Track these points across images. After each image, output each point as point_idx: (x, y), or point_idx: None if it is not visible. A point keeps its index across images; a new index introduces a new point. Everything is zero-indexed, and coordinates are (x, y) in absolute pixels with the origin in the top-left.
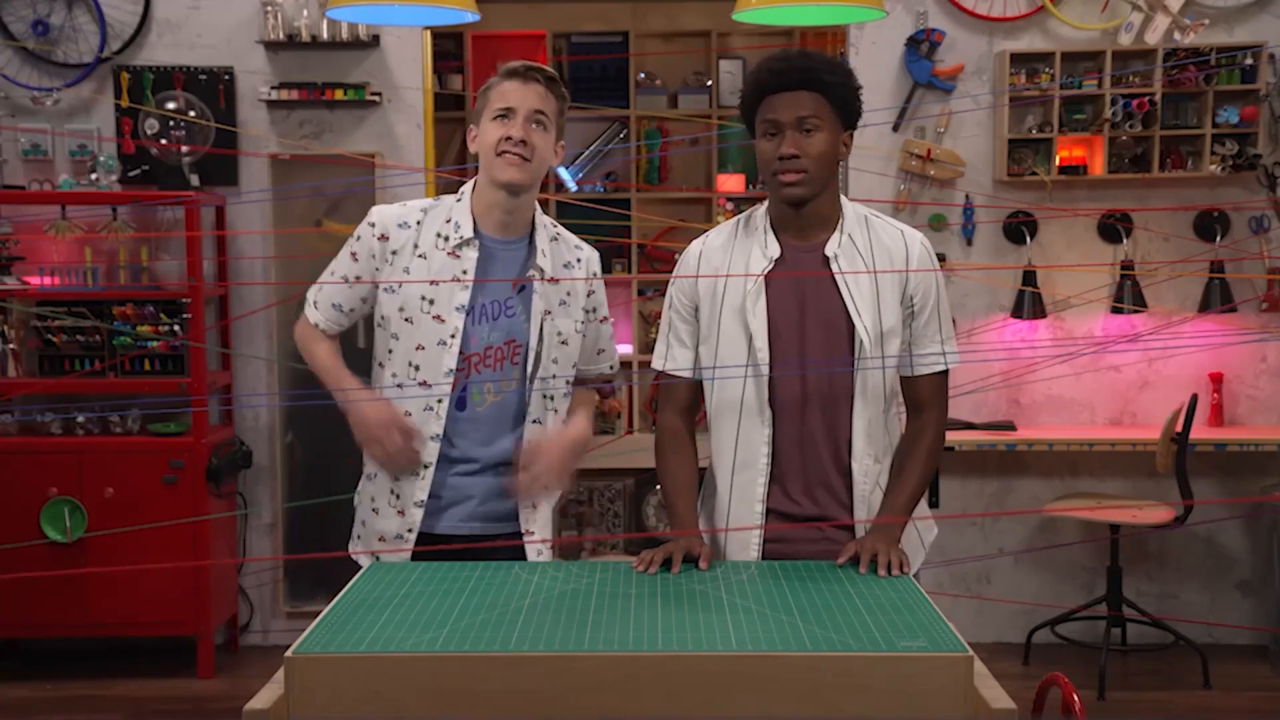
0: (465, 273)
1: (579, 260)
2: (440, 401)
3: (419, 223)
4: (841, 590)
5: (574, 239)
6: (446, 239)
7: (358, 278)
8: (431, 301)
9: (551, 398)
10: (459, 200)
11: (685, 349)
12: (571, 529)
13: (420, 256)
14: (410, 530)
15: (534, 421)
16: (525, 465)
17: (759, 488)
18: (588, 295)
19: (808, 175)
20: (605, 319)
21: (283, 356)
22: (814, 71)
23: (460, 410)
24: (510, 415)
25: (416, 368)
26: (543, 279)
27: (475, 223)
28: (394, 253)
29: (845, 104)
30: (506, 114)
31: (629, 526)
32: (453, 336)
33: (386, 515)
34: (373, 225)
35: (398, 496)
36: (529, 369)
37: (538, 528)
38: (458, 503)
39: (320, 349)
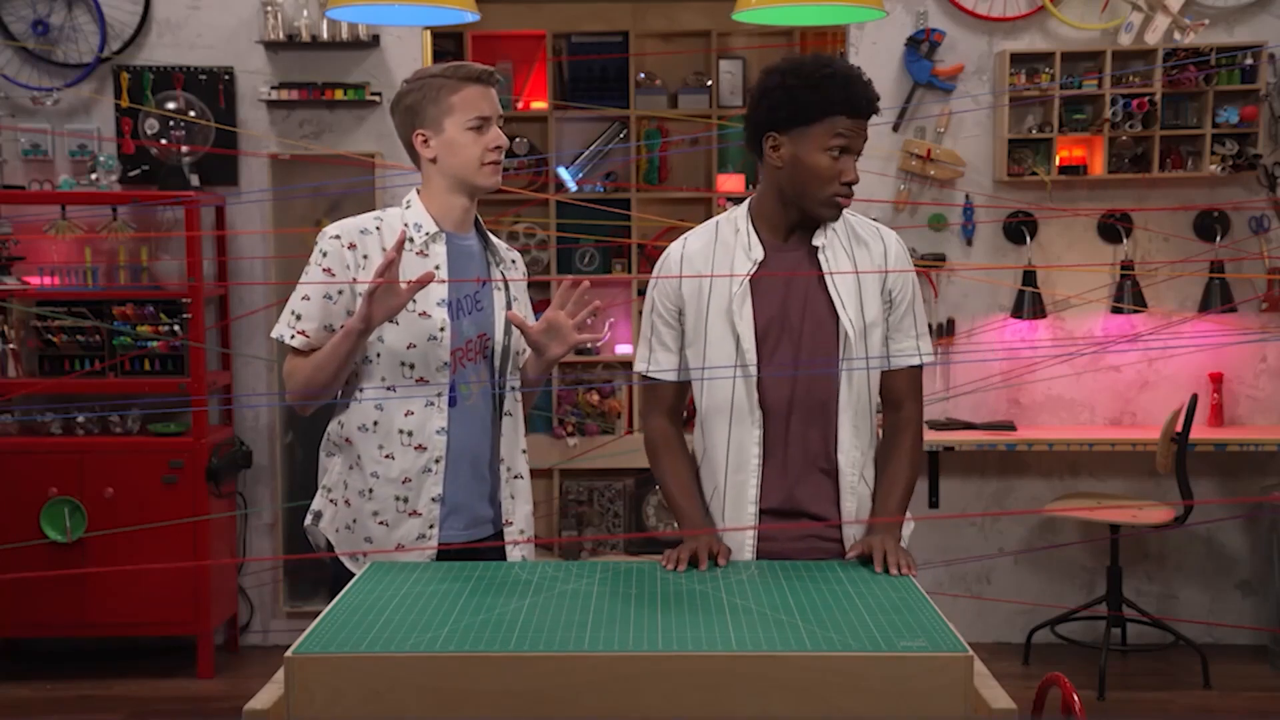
0: (438, 268)
1: (513, 261)
2: (440, 395)
3: (378, 228)
4: (841, 590)
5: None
6: (412, 240)
7: (339, 292)
8: (414, 300)
9: (513, 388)
10: (408, 208)
11: (669, 353)
12: (571, 529)
13: None
14: (432, 527)
15: (506, 414)
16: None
17: (751, 489)
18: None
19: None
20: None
21: (282, 357)
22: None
23: (452, 407)
24: (486, 408)
25: (411, 366)
26: (510, 279)
27: (436, 221)
28: (365, 257)
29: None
30: (483, 124)
31: (629, 526)
32: (442, 330)
33: (399, 523)
34: (337, 238)
35: (405, 500)
36: (497, 362)
37: (518, 521)
38: (455, 510)
39: (314, 354)
